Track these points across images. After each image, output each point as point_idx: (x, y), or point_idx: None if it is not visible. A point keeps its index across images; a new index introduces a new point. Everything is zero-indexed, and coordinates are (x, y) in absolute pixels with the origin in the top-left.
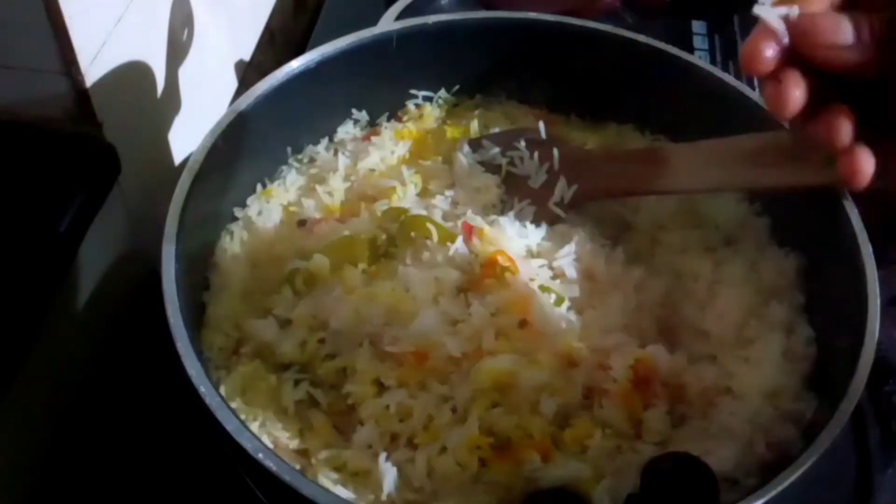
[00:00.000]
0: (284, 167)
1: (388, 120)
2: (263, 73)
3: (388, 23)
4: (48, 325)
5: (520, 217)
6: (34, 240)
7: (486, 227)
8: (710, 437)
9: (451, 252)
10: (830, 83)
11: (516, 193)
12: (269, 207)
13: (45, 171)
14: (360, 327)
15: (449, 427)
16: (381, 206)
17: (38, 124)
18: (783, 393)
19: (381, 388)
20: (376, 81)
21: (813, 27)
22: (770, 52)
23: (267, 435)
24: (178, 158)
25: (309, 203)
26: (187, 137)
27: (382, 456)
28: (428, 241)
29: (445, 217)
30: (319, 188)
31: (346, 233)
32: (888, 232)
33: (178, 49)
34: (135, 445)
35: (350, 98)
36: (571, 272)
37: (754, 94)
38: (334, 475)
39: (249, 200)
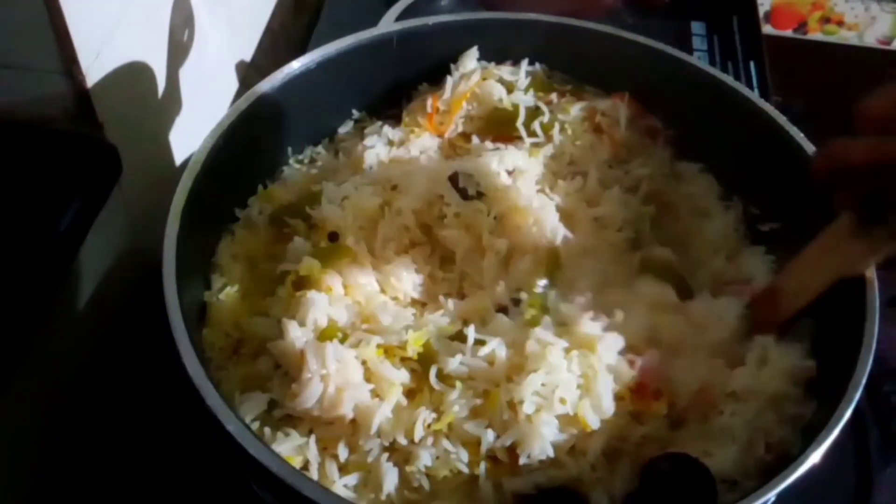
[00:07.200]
0: (285, 167)
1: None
2: (264, 74)
3: (388, 23)
4: (48, 325)
5: None
6: (35, 240)
7: None
8: (710, 438)
9: None
10: None
11: None
12: (269, 207)
13: (45, 172)
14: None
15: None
16: None
17: (39, 124)
18: (782, 394)
19: None
20: (376, 82)
21: None
22: None
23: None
24: (178, 159)
25: None
26: (188, 138)
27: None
28: None
29: None
30: None
31: None
32: None
33: (178, 49)
34: (135, 446)
35: (350, 98)
36: None
37: (753, 95)
38: (335, 475)
39: (250, 200)
